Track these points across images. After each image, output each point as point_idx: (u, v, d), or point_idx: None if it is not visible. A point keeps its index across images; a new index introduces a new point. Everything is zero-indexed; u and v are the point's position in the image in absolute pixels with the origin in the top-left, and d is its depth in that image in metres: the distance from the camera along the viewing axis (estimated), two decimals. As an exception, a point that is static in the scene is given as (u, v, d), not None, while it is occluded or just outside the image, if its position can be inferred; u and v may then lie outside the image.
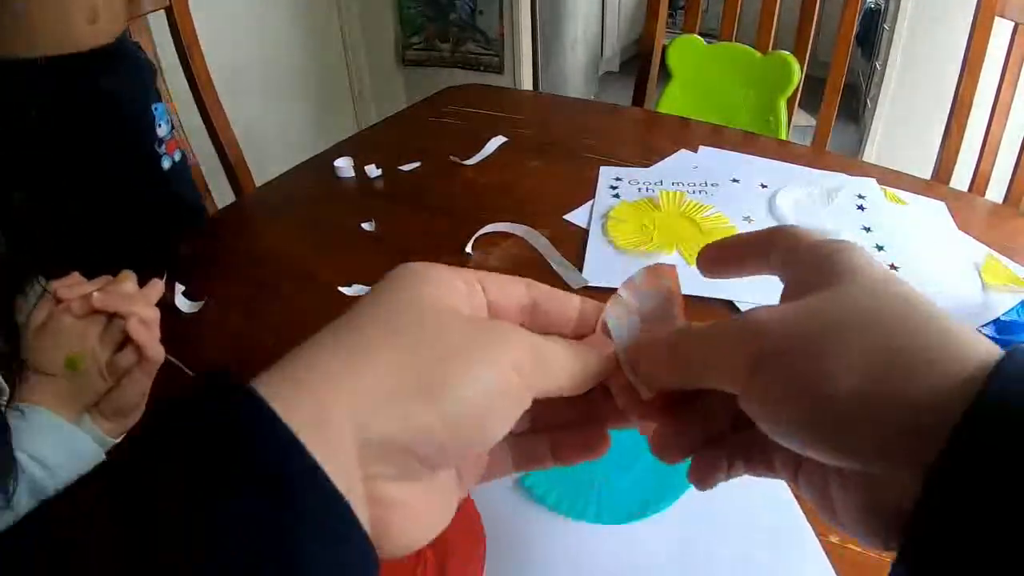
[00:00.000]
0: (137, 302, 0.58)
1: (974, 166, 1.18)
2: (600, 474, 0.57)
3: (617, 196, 0.95)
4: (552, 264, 0.82)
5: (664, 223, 0.88)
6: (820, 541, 0.51)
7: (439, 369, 0.24)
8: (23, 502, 0.47)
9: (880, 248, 0.83)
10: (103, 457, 0.56)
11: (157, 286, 0.62)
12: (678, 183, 0.98)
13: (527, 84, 2.58)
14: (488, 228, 0.87)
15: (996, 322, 0.70)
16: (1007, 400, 0.20)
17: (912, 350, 0.22)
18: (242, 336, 0.74)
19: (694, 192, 0.95)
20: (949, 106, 1.19)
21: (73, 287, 0.57)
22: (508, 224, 0.88)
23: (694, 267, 0.83)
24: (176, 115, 1.22)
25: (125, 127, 1.10)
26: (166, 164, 1.15)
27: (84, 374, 0.56)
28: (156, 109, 1.16)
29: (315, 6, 2.53)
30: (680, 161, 1.05)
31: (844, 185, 0.95)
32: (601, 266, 0.81)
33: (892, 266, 0.80)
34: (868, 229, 0.86)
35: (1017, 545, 0.18)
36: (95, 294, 0.57)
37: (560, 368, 0.27)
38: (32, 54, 0.97)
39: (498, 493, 0.55)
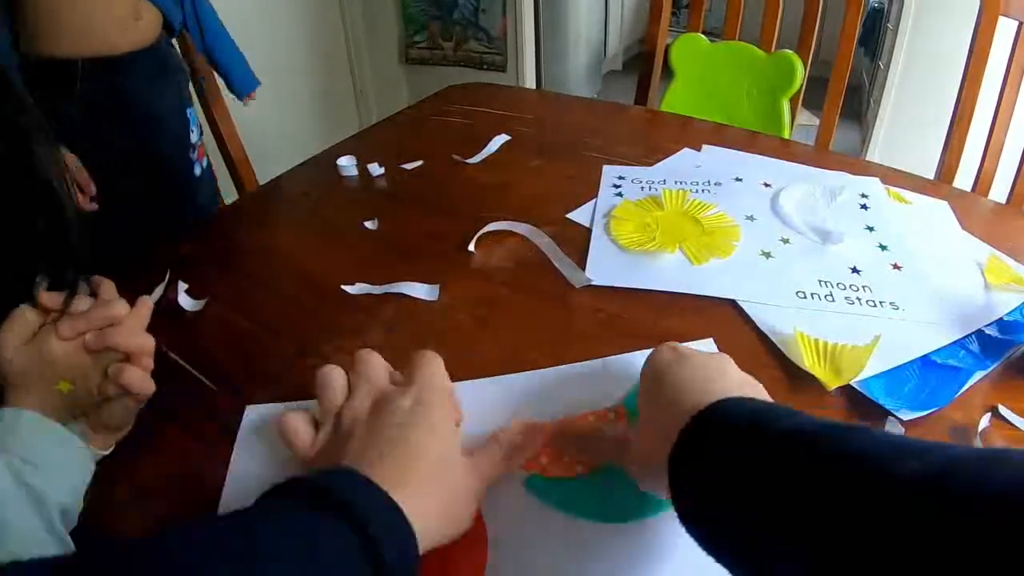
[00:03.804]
0: (129, 335, 0.55)
1: (977, 166, 1.18)
2: (604, 472, 0.57)
3: (620, 195, 0.95)
4: (555, 263, 0.82)
5: (667, 222, 0.88)
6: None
7: (454, 504, 0.47)
8: (10, 496, 0.47)
9: (883, 248, 0.83)
10: (91, 458, 0.55)
11: (146, 304, 0.58)
12: (681, 182, 0.98)
13: (530, 83, 2.58)
14: (491, 227, 0.87)
15: (999, 322, 0.70)
16: (714, 413, 0.44)
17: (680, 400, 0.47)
18: (245, 334, 0.74)
19: (697, 191, 0.95)
20: (952, 106, 1.19)
21: (54, 300, 0.54)
22: (511, 223, 0.88)
23: (697, 266, 0.83)
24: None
25: (162, 133, 1.08)
26: (196, 171, 1.13)
27: (71, 393, 0.54)
28: (189, 114, 1.14)
29: (318, 4, 2.53)
30: (683, 160, 1.05)
31: (847, 185, 0.94)
32: (604, 265, 0.81)
33: (895, 266, 0.80)
34: (871, 229, 0.86)
35: (716, 460, 0.41)
36: (87, 337, 0.53)
37: (492, 473, 0.53)
38: (76, 54, 0.95)
39: (500, 492, 0.55)
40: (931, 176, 1.13)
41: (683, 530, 0.52)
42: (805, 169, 1.00)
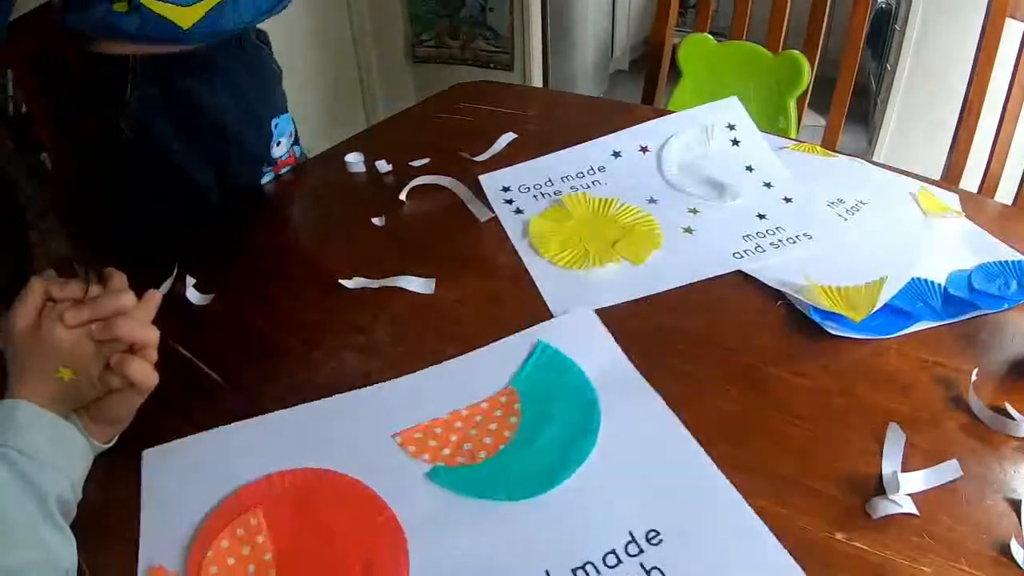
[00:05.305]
0: (135, 327, 0.54)
1: (984, 167, 1.18)
2: (504, 454, 0.59)
3: (520, 211, 0.91)
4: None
5: (587, 233, 0.85)
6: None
7: None
8: (6, 488, 0.47)
9: (768, 185, 0.90)
10: (90, 449, 0.56)
11: (154, 297, 0.57)
12: (567, 177, 0.95)
13: (537, 82, 2.58)
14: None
15: (969, 287, 0.74)
16: None
17: None
18: (251, 328, 0.75)
19: (588, 185, 0.94)
20: (959, 107, 1.19)
21: (65, 288, 0.54)
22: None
23: (639, 265, 0.83)
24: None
25: (231, 146, 0.95)
26: (263, 180, 1.02)
27: (73, 382, 0.54)
28: (276, 124, 1.02)
29: (325, 2, 2.54)
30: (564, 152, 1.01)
31: (715, 120, 0.98)
32: (560, 293, 0.77)
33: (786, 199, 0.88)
34: (751, 169, 0.93)
35: None
36: (93, 327, 0.53)
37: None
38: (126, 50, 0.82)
39: (410, 490, 0.56)
40: (938, 177, 1.13)
41: (590, 501, 0.54)
42: (665, 122, 1.00)
